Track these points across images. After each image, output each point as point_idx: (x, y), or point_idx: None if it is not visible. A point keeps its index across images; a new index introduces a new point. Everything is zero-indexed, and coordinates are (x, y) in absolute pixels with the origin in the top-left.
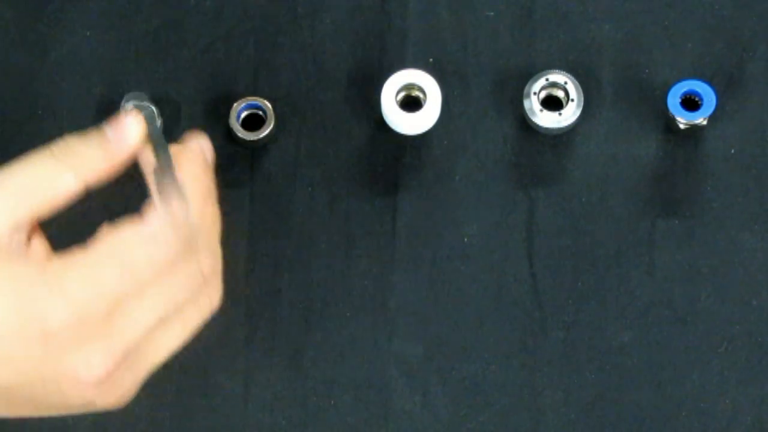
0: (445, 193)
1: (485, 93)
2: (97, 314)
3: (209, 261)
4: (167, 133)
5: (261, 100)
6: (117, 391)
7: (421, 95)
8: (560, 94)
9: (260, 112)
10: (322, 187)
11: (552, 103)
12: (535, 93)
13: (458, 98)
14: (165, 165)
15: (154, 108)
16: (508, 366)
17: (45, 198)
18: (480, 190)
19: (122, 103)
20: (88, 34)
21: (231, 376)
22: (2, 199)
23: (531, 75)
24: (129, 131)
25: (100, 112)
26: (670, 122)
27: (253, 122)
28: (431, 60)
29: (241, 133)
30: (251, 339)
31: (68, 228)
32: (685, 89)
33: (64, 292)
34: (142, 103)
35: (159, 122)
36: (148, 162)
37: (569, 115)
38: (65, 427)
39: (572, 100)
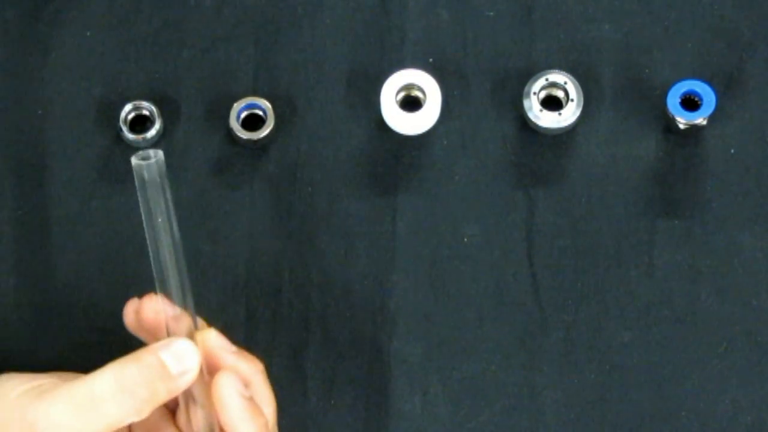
0: (445, 193)
1: (485, 93)
2: None
3: None
4: (167, 134)
5: (261, 100)
6: None
7: (420, 95)
8: (560, 94)
9: (260, 112)
10: (322, 187)
11: (552, 103)
12: (535, 93)
13: (458, 98)
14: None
15: (160, 155)
16: (508, 366)
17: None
18: (480, 190)
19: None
20: (88, 34)
21: None
22: None
23: (531, 75)
24: (188, 362)
25: (100, 112)
26: (670, 122)
27: (253, 122)
28: (431, 60)
29: (241, 133)
30: (251, 339)
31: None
32: (684, 89)
33: None
34: (147, 154)
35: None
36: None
37: (569, 115)
38: None
39: (572, 100)
